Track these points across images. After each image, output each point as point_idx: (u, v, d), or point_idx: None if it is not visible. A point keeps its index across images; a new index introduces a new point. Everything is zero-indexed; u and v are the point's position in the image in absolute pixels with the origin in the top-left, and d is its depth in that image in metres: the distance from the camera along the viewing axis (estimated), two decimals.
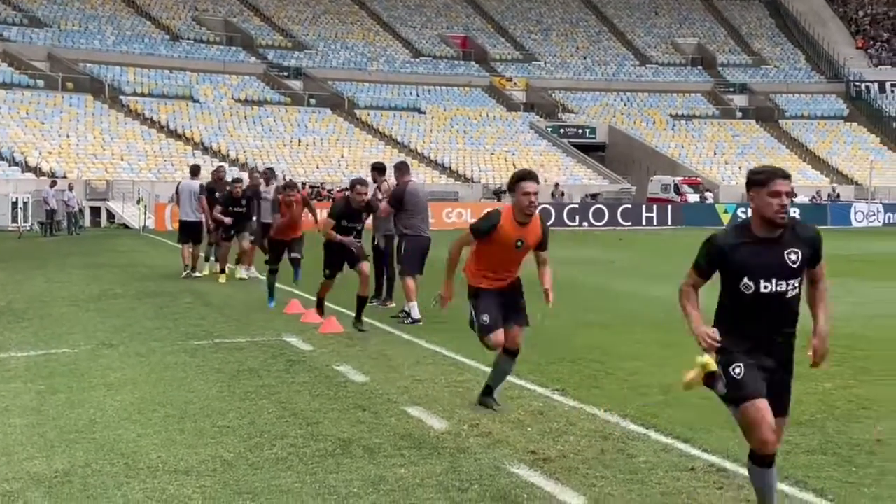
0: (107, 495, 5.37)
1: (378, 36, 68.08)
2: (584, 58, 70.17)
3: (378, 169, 14.09)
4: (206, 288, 16.52)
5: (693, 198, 49.69)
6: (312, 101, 58.41)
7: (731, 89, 68.86)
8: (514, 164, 54.18)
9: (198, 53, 59.80)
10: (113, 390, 8.11)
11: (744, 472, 5.73)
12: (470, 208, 43.46)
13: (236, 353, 9.93)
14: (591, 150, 59.47)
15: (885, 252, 26.69)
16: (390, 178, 13.52)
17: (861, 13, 77.60)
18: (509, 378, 8.55)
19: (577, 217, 45.06)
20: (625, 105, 65.73)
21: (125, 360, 9.57)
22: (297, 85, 59.91)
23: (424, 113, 59.54)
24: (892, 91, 68.95)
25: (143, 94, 53.68)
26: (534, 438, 6.54)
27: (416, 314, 11.91)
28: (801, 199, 51.10)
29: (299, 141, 53.03)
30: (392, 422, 7.01)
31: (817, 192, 53.11)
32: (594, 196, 50.29)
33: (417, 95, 61.80)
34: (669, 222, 45.82)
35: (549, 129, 59.75)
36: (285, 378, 8.61)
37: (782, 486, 5.46)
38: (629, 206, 47.55)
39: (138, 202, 40.86)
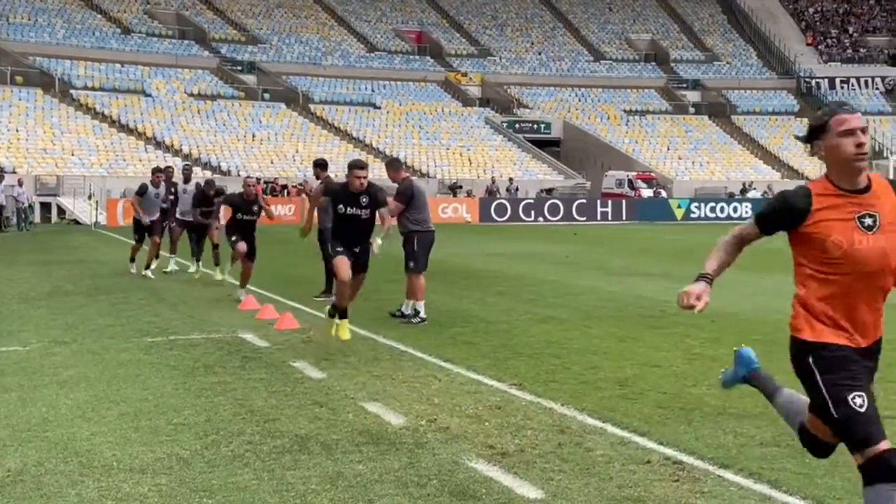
0: (61, 494, 5.30)
1: (332, 30, 67.80)
2: (539, 53, 70.39)
3: (320, 165, 14.26)
4: (160, 284, 16.38)
5: (647, 193, 50.09)
6: (266, 95, 58.04)
7: (684, 85, 69.46)
8: (469, 160, 54.30)
9: (150, 47, 59.18)
10: (66, 388, 8.00)
11: (699, 464, 5.80)
12: None
13: (191, 349, 9.84)
14: (546, 146, 59.72)
15: None
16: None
17: (811, 10, 78.59)
18: (467, 373, 8.58)
19: (533, 212, 45.22)
20: (579, 100, 66.06)
21: (78, 357, 9.45)
22: (250, 79, 59.48)
23: (379, 108, 59.41)
24: (842, 87, 69.93)
25: (93, 88, 53.03)
26: (491, 433, 6.55)
27: (423, 313, 11.70)
28: (754, 193, 51.72)
29: (253, 136, 52.69)
30: (350, 418, 7.00)
31: (769, 187, 53.74)
32: (549, 191, 50.51)
33: (372, 90, 61.65)
34: (624, 217, 46.15)
35: (505, 125, 59.90)
36: (241, 374, 8.56)
37: (737, 478, 5.53)
38: (584, 201, 47.82)
39: (89, 198, 40.39)
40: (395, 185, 12.22)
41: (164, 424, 6.80)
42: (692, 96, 68.54)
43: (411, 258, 11.86)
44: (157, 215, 17.94)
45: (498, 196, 46.63)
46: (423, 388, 7.99)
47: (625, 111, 64.65)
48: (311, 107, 57.62)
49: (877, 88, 69.97)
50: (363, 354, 9.55)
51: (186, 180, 17.96)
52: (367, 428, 6.69)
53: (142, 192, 17.84)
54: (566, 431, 6.59)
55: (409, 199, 11.93)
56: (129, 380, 8.34)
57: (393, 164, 12.52)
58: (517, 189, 49.63)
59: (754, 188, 52.49)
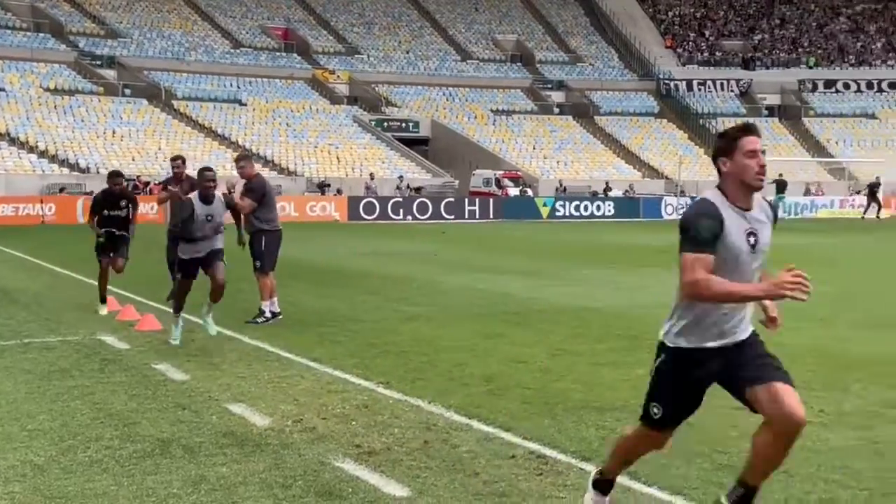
0: None
1: (196, 25, 66.47)
2: (407, 52, 70.55)
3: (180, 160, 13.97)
4: (14, 285, 15.77)
5: (514, 192, 50.74)
6: (127, 91, 56.50)
7: (549, 86, 70.67)
8: (337, 158, 54.02)
9: (2, 40, 56.83)
10: None
11: (562, 457, 5.90)
12: (293, 202, 43.00)
13: (47, 353, 9.51)
14: (415, 144, 59.89)
15: None
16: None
17: (670, 14, 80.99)
18: (334, 373, 8.53)
19: (402, 211, 45.30)
20: (447, 100, 66.48)
21: None
22: (110, 74, 57.81)
23: (245, 105, 58.54)
24: (700, 89, 72.30)
25: None
26: (358, 432, 6.54)
27: (276, 307, 11.66)
28: (616, 192, 52.99)
29: (114, 132, 51.21)
30: (213, 420, 6.87)
31: (630, 187, 55.16)
32: (417, 190, 50.69)
33: (238, 87, 60.70)
34: (491, 216, 46.66)
35: (373, 123, 59.82)
36: (100, 378, 8.31)
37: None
38: (452, 199, 48.14)
39: None
40: (244, 181, 11.96)
41: (18, 431, 6.55)
42: (557, 97, 69.77)
43: (259, 258, 11.77)
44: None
45: (369, 194, 46.46)
46: (290, 388, 7.91)
47: (492, 111, 65.37)
48: (175, 103, 56.35)
49: (732, 91, 72.58)
50: (228, 355, 9.39)
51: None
52: (231, 430, 6.59)
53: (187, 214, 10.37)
54: (433, 429, 6.63)
55: (262, 196, 11.80)
56: None
57: (248, 159, 12.35)
58: (409, 187, 49.80)
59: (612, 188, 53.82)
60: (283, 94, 61.34)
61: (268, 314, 11.60)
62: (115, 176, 13.17)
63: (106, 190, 13.09)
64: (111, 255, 12.87)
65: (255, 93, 60.40)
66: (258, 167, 48.44)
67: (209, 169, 10.39)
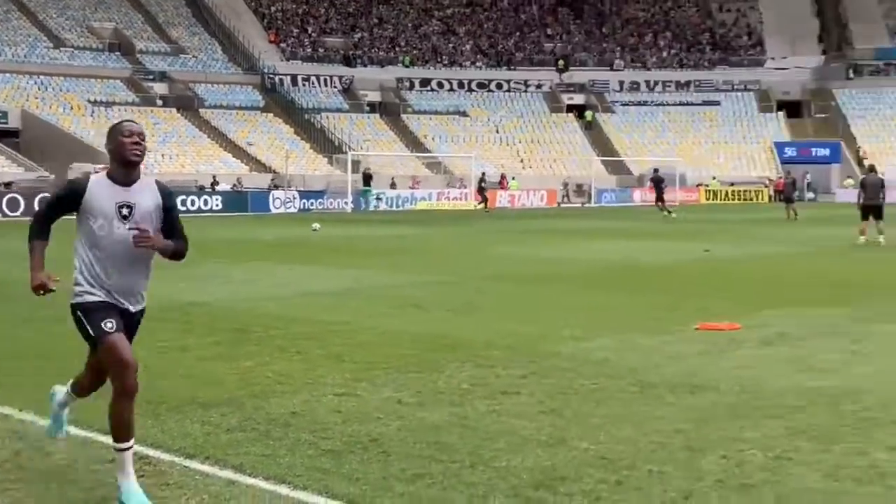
0: None
1: None
2: None
3: None
4: None
5: None
6: None
7: (151, 77, 68.54)
8: None
9: None
10: None
11: (165, 456, 5.78)
12: None
13: None
14: (3, 136, 55.74)
15: (299, 237, 28.41)
16: None
17: (273, 8, 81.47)
18: None
19: None
20: (39, 89, 62.42)
21: None
22: None
23: None
24: (304, 84, 73.42)
25: None
26: None
27: None
28: (224, 186, 52.60)
29: None
30: None
31: (238, 181, 54.97)
32: (8, 185, 47.26)
33: None
34: None
35: None
36: None
37: (203, 467, 5.60)
38: (47, 194, 45.40)
39: None
40: None
41: None
42: (159, 88, 67.81)
43: None
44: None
45: None
46: None
47: (89, 101, 62.28)
48: None
49: (335, 87, 74.43)
50: None
51: None
52: None
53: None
54: (25, 438, 6.25)
55: None
56: None
57: None
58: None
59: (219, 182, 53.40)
60: None
61: None
62: None
63: None
64: None
65: None
66: None
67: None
